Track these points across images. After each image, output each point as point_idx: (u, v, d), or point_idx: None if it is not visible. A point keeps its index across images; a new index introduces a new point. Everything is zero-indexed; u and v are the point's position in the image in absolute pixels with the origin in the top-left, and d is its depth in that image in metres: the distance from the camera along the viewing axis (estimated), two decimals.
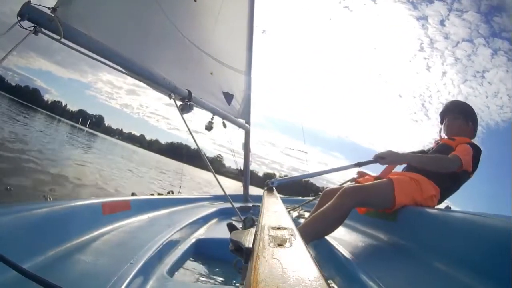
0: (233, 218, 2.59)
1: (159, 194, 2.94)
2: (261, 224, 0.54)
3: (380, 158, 1.70)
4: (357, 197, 1.52)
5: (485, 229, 0.97)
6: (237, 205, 2.38)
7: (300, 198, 3.90)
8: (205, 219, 2.33)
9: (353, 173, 1.91)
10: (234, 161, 3.98)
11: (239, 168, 4.01)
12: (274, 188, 1.38)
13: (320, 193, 3.55)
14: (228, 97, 3.52)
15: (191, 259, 1.63)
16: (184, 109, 2.53)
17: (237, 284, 1.34)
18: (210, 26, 3.16)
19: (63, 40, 1.57)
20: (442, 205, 1.65)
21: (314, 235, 1.47)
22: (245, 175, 3.99)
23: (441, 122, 1.98)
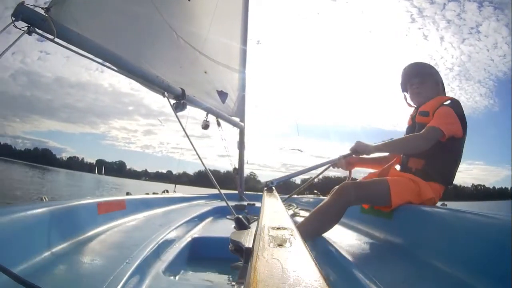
0: (228, 216, 2.59)
1: (154, 193, 2.93)
2: (261, 224, 0.54)
3: (354, 151, 1.67)
4: (354, 194, 1.51)
5: (481, 227, 0.97)
6: (232, 203, 2.38)
7: (295, 196, 3.91)
8: (200, 218, 2.33)
9: None
10: (230, 163, 3.99)
11: (234, 167, 4.01)
12: (273, 188, 1.39)
13: (315, 191, 3.58)
14: (222, 95, 3.52)
15: (187, 258, 1.63)
16: (178, 107, 2.55)
17: (233, 283, 1.35)
18: (205, 25, 3.15)
19: (56, 39, 1.57)
20: (438, 203, 1.63)
21: (311, 233, 1.46)
22: (239, 174, 3.99)
23: (405, 90, 1.80)
